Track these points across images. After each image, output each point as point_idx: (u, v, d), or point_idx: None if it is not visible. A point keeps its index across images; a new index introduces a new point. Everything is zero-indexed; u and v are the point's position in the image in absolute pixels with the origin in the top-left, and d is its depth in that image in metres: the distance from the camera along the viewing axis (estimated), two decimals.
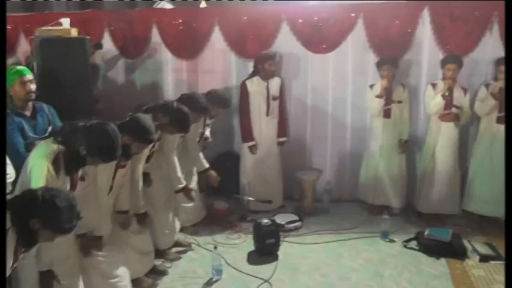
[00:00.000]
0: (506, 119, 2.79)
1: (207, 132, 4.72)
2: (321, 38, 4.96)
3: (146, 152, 3.50)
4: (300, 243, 4.42)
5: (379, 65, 4.74)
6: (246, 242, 4.39)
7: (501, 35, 4.65)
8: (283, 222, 4.63)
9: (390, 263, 4.08)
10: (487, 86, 4.56)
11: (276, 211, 4.97)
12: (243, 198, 4.88)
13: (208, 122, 4.60)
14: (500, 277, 3.83)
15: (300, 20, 4.96)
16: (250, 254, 4.21)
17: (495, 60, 4.60)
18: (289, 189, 5.32)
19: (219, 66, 5.24)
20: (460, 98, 4.60)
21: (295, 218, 4.78)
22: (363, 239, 4.51)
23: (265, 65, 4.79)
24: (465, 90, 4.64)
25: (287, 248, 4.30)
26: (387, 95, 4.69)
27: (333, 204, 5.21)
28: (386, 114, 4.76)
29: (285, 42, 5.04)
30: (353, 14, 4.87)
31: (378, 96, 4.68)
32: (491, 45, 4.72)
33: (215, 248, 3.85)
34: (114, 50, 5.33)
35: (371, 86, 4.83)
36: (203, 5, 5.56)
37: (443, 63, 4.58)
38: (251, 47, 5.04)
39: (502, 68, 4.35)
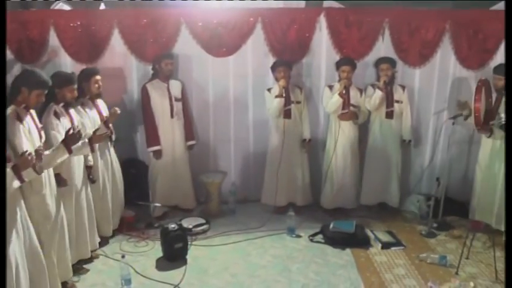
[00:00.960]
0: (507, 119, 3.14)
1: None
2: (220, 42, 5.14)
3: None
4: (208, 246, 4.55)
5: (273, 67, 5.03)
6: (154, 249, 4.43)
7: (392, 39, 5.24)
8: (190, 226, 4.74)
9: (297, 257, 4.35)
10: (373, 85, 5.11)
11: (183, 215, 5.10)
12: (149, 205, 4.91)
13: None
14: (400, 261, 4.30)
15: (200, 23, 5.08)
16: (158, 260, 4.25)
17: (375, 60, 5.16)
18: (195, 192, 5.41)
19: (119, 70, 5.24)
20: (357, 97, 5.08)
21: (202, 221, 4.92)
22: (270, 236, 4.75)
23: (162, 65, 4.88)
24: (360, 91, 5.14)
25: (195, 252, 4.41)
26: (286, 95, 4.99)
27: (239, 205, 5.44)
28: (287, 114, 5.07)
29: (186, 46, 5.14)
30: (251, 19, 5.11)
31: (277, 96, 4.95)
32: (383, 49, 5.27)
33: (123, 257, 3.85)
34: (9, 54, 5.02)
35: (269, 90, 5.10)
36: (102, 6, 5.51)
37: (338, 65, 5.01)
38: (151, 50, 5.09)
39: (384, 65, 4.99)
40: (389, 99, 5.10)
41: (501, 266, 4.11)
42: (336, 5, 5.33)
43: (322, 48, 5.26)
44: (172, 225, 4.24)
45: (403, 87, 5.22)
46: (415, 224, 5.12)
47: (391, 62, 5.07)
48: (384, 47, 5.26)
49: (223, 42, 5.15)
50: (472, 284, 3.82)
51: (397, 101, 5.14)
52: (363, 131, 5.30)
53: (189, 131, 5.20)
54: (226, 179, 5.46)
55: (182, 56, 5.19)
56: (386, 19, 5.21)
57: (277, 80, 5.01)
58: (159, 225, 4.60)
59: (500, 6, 5.58)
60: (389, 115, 5.13)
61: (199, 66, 5.27)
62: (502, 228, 4.51)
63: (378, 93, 4.97)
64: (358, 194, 5.33)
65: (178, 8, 5.11)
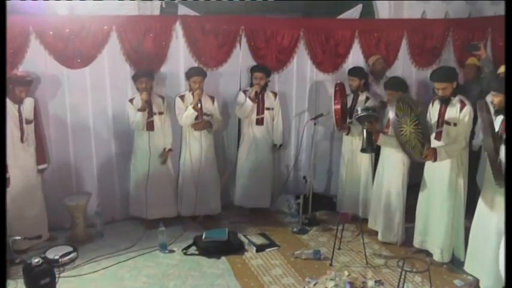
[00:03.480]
0: (506, 119, 3.38)
1: None
2: (74, 52, 5.16)
3: None
4: (78, 276, 4.52)
5: (135, 78, 5.23)
6: None
7: (249, 46, 5.80)
8: (56, 257, 4.66)
9: (173, 273, 4.56)
10: (244, 91, 5.60)
11: (48, 245, 4.99)
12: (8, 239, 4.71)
13: None
14: (276, 261, 4.78)
15: (51, 33, 5.04)
16: None
17: (249, 68, 5.69)
18: (59, 218, 5.36)
19: None
20: (209, 106, 5.49)
21: (69, 249, 4.85)
22: (142, 255, 4.89)
23: (16, 91, 4.69)
24: (212, 98, 5.54)
25: (65, 285, 4.32)
26: (148, 108, 5.24)
27: (107, 226, 5.48)
28: (150, 126, 5.31)
29: (37, 57, 5.04)
30: (106, 27, 5.24)
31: (140, 110, 5.17)
32: (241, 56, 5.81)
33: None
34: None
35: (131, 100, 5.29)
36: None
37: (188, 75, 5.36)
38: None
39: (257, 74, 5.48)
40: (259, 107, 5.65)
41: (370, 251, 4.92)
42: (192, 12, 5.75)
43: (180, 57, 5.60)
44: (36, 260, 3.97)
45: (275, 94, 5.80)
46: (287, 223, 5.69)
47: (266, 71, 5.59)
48: (242, 54, 5.80)
49: (77, 53, 5.17)
50: (346, 272, 4.41)
51: (268, 108, 5.71)
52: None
53: (41, 154, 5.09)
54: (91, 200, 5.46)
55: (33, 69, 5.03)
56: (242, 26, 5.76)
57: (139, 90, 5.23)
58: (21, 261, 4.43)
59: (346, 15, 6.62)
60: (260, 122, 5.70)
61: (54, 80, 5.20)
62: (368, 216, 5.36)
63: (249, 104, 5.48)
64: (219, 200, 5.76)
65: (25, 15, 4.98)
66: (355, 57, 6.24)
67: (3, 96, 3.11)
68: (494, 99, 3.93)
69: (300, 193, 5.73)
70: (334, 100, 5.30)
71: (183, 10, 5.83)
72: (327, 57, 6.15)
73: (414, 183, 5.00)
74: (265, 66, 5.69)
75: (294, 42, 6.00)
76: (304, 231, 5.41)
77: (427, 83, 6.46)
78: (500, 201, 3.82)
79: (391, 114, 4.25)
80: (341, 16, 6.71)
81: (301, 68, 6.11)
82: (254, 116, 5.68)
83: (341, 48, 6.20)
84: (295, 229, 5.43)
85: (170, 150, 5.52)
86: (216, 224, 5.54)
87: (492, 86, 4.07)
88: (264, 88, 5.62)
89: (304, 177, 5.60)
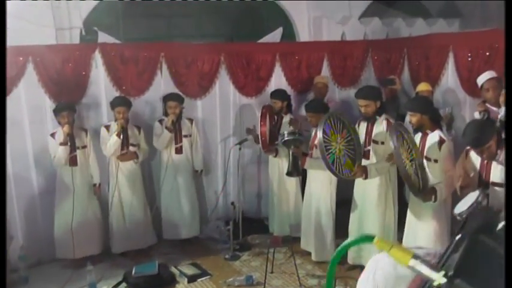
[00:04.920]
0: (506, 119, 3.54)
1: None
2: None
3: None
4: None
5: (56, 111, 5.31)
6: None
7: (170, 73, 6.11)
8: None
9: None
10: (160, 121, 5.83)
11: None
12: None
13: None
14: None
15: None
16: None
17: (162, 97, 5.93)
18: None
19: None
20: (135, 135, 5.70)
21: None
22: None
23: None
24: (139, 128, 5.76)
25: None
26: (71, 142, 5.34)
27: (33, 270, 5.44)
28: (73, 161, 5.43)
29: None
30: (21, 58, 5.33)
31: (61, 144, 5.27)
32: (163, 84, 6.11)
33: None
34: None
35: (52, 135, 5.37)
36: None
37: (112, 105, 5.52)
38: None
39: (171, 103, 5.72)
40: (177, 136, 5.89)
41: (303, 272, 5.29)
42: (112, 40, 6.00)
43: (101, 87, 5.82)
44: None
45: (191, 120, 6.07)
46: (218, 250, 5.96)
47: (179, 99, 5.83)
48: (163, 81, 6.12)
49: None
50: None
51: (186, 136, 5.97)
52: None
53: None
54: (12, 243, 5.40)
55: None
56: (162, 53, 6.07)
57: (61, 124, 5.32)
58: None
59: (267, 38, 7.11)
60: (179, 150, 5.94)
61: None
62: (299, 234, 5.73)
63: (166, 135, 5.72)
64: (152, 231, 5.97)
65: None
66: (278, 80, 6.72)
67: (3, 96, 3.27)
68: (411, 118, 4.40)
69: (230, 218, 6.03)
70: (261, 122, 5.68)
71: (103, 37, 6.05)
72: (249, 81, 6.59)
73: (342, 198, 5.44)
74: (177, 94, 5.91)
75: (215, 67, 6.39)
76: (236, 257, 5.72)
77: (350, 102, 7.08)
78: (427, 214, 4.30)
79: (318, 134, 4.52)
80: (262, 39, 7.20)
81: (224, 93, 6.50)
82: (173, 145, 5.90)
83: (263, 71, 6.66)
84: (227, 256, 5.72)
85: (96, 184, 5.65)
86: (147, 257, 5.70)
87: (408, 106, 4.55)
88: (179, 116, 5.84)
89: (232, 203, 5.92)
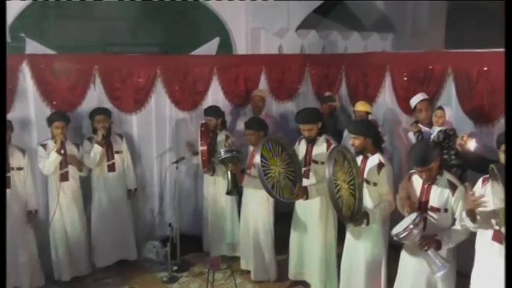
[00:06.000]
0: (506, 119, 3.49)
1: None
2: None
3: None
4: None
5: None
6: None
7: (104, 87, 5.99)
8: None
9: None
10: (89, 139, 5.66)
11: None
12: None
13: None
14: None
15: None
16: None
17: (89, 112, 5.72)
18: None
19: None
20: (73, 151, 5.52)
21: None
22: None
23: None
24: (77, 145, 5.60)
25: None
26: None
27: None
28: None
29: None
30: None
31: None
32: (97, 98, 5.97)
33: None
34: None
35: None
36: None
37: (50, 121, 5.35)
38: None
39: (98, 117, 5.57)
40: (109, 152, 5.74)
41: None
42: (42, 48, 5.81)
43: (30, 101, 5.63)
44: None
45: (121, 136, 5.94)
46: (156, 271, 5.88)
47: (106, 113, 5.69)
48: (96, 95, 5.98)
49: None
50: None
51: (118, 152, 5.83)
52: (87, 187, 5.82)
53: None
54: None
55: None
56: (96, 66, 5.95)
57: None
58: None
59: (204, 48, 7.12)
60: (112, 168, 5.80)
61: None
62: (236, 253, 5.81)
63: (97, 149, 5.55)
64: (88, 258, 5.79)
65: None
66: (215, 94, 6.76)
67: (3, 96, 3.13)
68: (354, 141, 4.55)
69: (167, 237, 5.94)
70: (201, 141, 5.66)
71: (32, 45, 5.85)
72: (186, 95, 6.57)
73: (281, 212, 5.55)
74: (104, 108, 5.78)
75: (151, 80, 6.32)
76: (174, 279, 5.67)
77: (287, 115, 7.23)
78: (367, 230, 4.44)
79: (256, 158, 4.54)
80: (199, 49, 7.19)
81: (160, 108, 6.44)
82: (105, 163, 5.75)
83: (200, 85, 6.67)
84: (164, 278, 5.67)
85: (36, 211, 5.41)
86: (81, 285, 5.57)
87: (352, 129, 4.66)
88: (108, 131, 5.68)
89: (170, 225, 5.84)
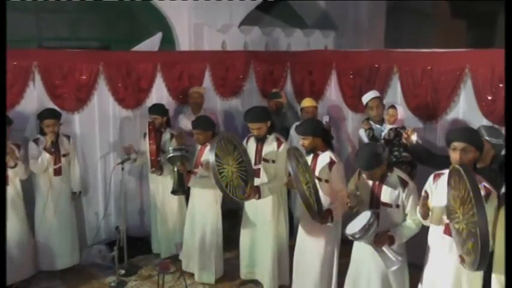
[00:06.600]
0: (506, 118, 3.51)
1: None
2: None
3: None
4: None
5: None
6: None
7: (44, 85, 5.75)
8: None
9: None
10: (35, 141, 5.45)
11: None
12: None
13: None
14: None
15: None
16: None
17: (37, 114, 5.51)
18: None
19: None
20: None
21: None
22: None
23: None
24: (18, 146, 5.33)
25: None
26: None
27: None
28: None
29: None
30: None
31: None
32: (36, 97, 5.74)
33: None
34: None
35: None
36: None
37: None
38: None
39: (48, 121, 5.36)
40: (57, 156, 5.53)
41: None
42: None
43: None
44: None
45: (68, 137, 5.73)
46: (103, 277, 5.72)
47: (57, 116, 5.48)
48: (37, 94, 5.74)
49: None
50: None
51: (65, 155, 5.63)
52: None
53: None
54: None
55: None
56: (35, 62, 5.70)
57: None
58: None
59: (146, 43, 6.99)
60: (58, 172, 5.59)
61: None
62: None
63: (45, 156, 5.37)
64: (33, 263, 5.59)
65: None
66: (159, 92, 6.64)
67: (3, 96, 2.92)
68: (304, 142, 4.61)
69: (113, 240, 5.75)
70: (150, 140, 5.58)
71: None
72: (130, 93, 6.41)
73: (228, 209, 5.57)
74: (54, 110, 5.56)
75: (93, 77, 6.12)
76: (123, 284, 5.53)
77: (232, 113, 7.22)
78: (317, 232, 4.54)
79: (211, 158, 4.53)
80: (141, 45, 7.05)
81: (103, 106, 6.26)
82: (51, 167, 5.53)
83: (143, 82, 6.53)
84: (113, 283, 5.51)
85: None
86: None
87: (300, 130, 4.70)
88: (57, 134, 5.51)
89: (117, 228, 5.67)
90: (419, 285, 3.97)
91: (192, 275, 5.60)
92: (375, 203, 4.09)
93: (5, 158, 3.18)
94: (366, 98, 5.67)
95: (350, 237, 3.89)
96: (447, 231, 3.61)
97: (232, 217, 5.49)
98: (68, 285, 5.57)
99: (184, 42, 7.76)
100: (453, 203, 3.38)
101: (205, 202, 5.38)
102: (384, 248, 3.87)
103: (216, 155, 4.54)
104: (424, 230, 3.92)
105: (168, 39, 7.64)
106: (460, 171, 3.19)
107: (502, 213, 3.30)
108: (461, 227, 3.27)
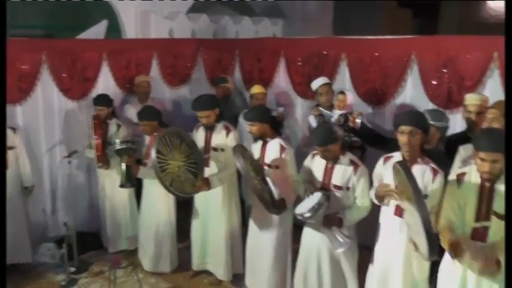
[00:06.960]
0: (506, 118, 3.51)
1: None
2: None
3: None
4: None
5: None
6: None
7: None
8: None
9: None
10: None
11: None
12: None
13: None
14: None
15: None
16: None
17: None
18: None
19: None
20: None
21: None
22: None
23: None
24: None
25: None
26: None
27: None
28: None
29: None
30: None
31: None
32: None
33: None
34: None
35: None
36: None
37: None
38: None
39: None
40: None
41: (147, 287, 5.24)
42: None
43: None
44: None
45: (14, 129, 5.47)
46: (52, 276, 5.54)
47: None
48: None
49: None
50: None
51: (11, 148, 5.38)
52: None
53: None
54: None
55: None
56: None
57: None
58: None
59: (91, 31, 6.78)
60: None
61: None
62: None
63: None
64: None
65: None
66: (105, 81, 6.47)
67: (3, 96, 2.87)
68: (252, 128, 4.60)
69: (62, 237, 5.60)
70: (95, 135, 5.44)
71: None
72: (75, 83, 6.21)
73: (181, 201, 5.46)
74: None
75: (36, 67, 5.90)
76: (73, 282, 5.37)
77: (180, 101, 7.12)
78: (270, 218, 4.57)
79: (152, 154, 4.51)
80: (86, 32, 6.84)
81: (47, 97, 6.04)
82: None
83: (89, 71, 6.33)
84: (63, 282, 5.35)
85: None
86: None
87: (247, 116, 4.71)
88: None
89: (65, 224, 5.50)
90: (370, 265, 4.07)
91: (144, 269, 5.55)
92: (326, 185, 4.14)
93: (5, 158, 3.08)
94: (315, 84, 5.71)
95: (299, 217, 3.93)
96: (397, 212, 3.73)
97: (186, 208, 5.40)
98: (14, 286, 5.36)
99: (130, 30, 7.59)
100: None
101: (158, 193, 5.26)
102: (332, 230, 3.91)
103: (159, 152, 4.51)
104: (374, 213, 4.02)
105: (114, 27, 7.45)
106: (400, 172, 3.33)
107: (448, 190, 3.46)
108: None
